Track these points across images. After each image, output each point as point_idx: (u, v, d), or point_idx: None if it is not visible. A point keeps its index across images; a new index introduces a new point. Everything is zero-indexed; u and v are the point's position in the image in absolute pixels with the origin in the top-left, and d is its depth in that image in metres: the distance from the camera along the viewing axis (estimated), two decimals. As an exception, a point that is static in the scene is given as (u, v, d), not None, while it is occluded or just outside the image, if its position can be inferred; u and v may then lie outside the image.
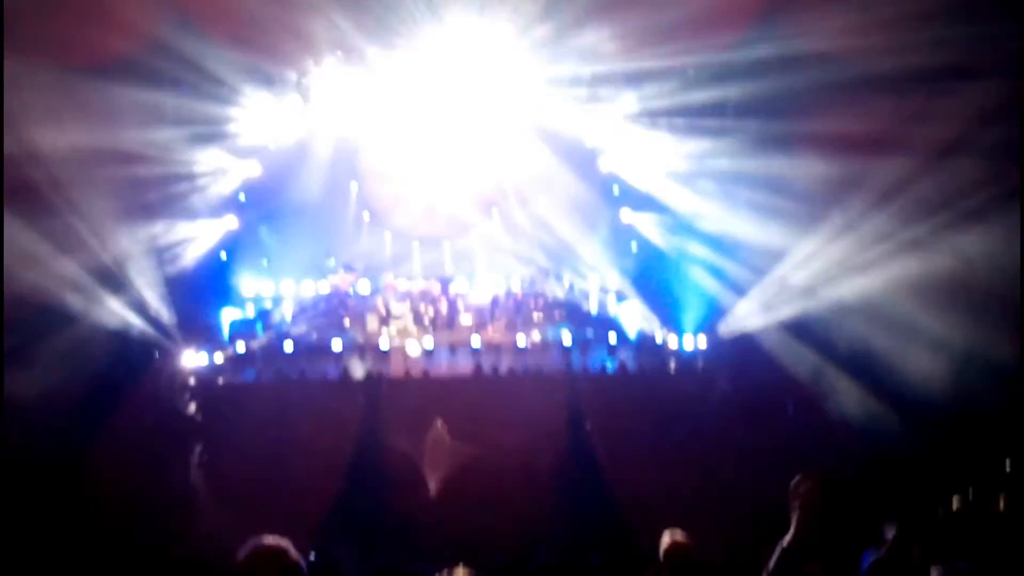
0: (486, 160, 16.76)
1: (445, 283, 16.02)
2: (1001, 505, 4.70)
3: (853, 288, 11.49)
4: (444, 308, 15.47)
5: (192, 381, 12.65)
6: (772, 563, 3.22)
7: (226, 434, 10.17)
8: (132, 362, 11.99)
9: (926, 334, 10.22)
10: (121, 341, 11.99)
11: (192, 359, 12.97)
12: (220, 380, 12.91)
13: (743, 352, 13.10)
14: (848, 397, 10.17)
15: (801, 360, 11.96)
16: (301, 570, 2.93)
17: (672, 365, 13.73)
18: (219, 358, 13.38)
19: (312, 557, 5.94)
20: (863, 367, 10.79)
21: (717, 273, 14.25)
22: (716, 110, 13.76)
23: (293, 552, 2.94)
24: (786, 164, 12.63)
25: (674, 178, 14.87)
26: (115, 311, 12.31)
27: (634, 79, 14.66)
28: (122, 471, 7.99)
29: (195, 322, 13.59)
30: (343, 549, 5.69)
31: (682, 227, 14.97)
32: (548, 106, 15.49)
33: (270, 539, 2.95)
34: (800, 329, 12.43)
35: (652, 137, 14.74)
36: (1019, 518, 4.57)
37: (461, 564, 2.90)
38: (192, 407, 11.32)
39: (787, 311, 12.98)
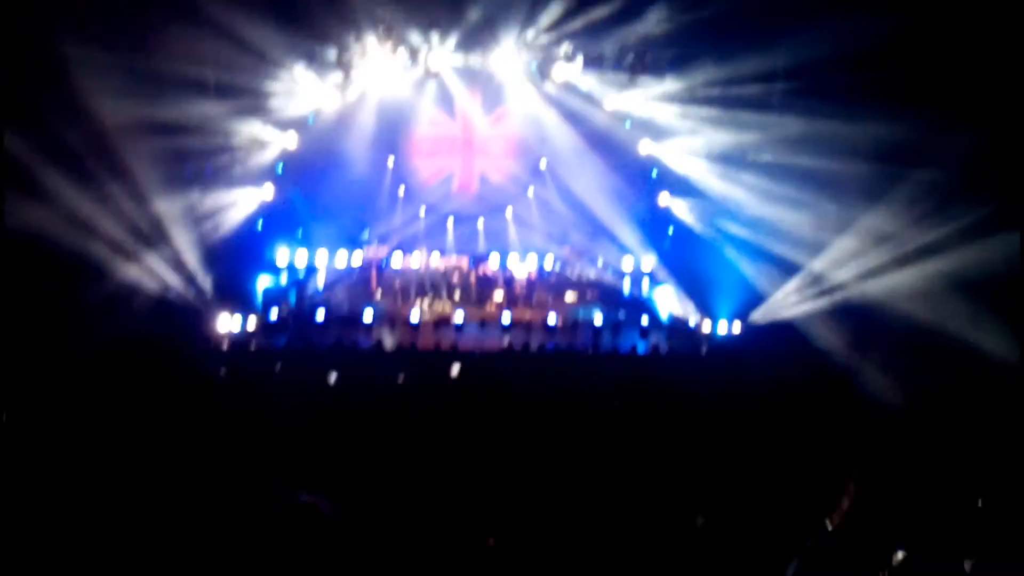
0: (524, 139, 16.68)
1: (478, 259, 16.02)
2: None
3: (891, 283, 11.34)
4: (475, 284, 15.46)
5: (225, 345, 12.78)
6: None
7: (255, 397, 10.21)
8: (170, 323, 12.15)
9: (977, 330, 10.08)
10: (159, 303, 12.20)
11: (227, 323, 13.10)
12: (252, 345, 13.03)
13: (778, 340, 12.91)
14: (884, 388, 9.96)
15: (837, 350, 11.79)
16: (334, 527, 2.91)
17: (704, 349, 13.54)
18: (252, 324, 13.52)
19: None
20: (898, 361, 10.62)
21: (754, 260, 14.09)
22: (762, 99, 13.57)
23: (326, 510, 2.92)
24: (829, 158, 12.50)
25: (715, 164, 14.74)
26: (155, 273, 12.61)
27: (679, 61, 14.47)
28: (154, 428, 8.06)
29: (231, 288, 13.76)
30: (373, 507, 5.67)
31: (720, 213, 14.84)
32: (590, 86, 15.33)
33: (305, 497, 2.94)
34: (837, 319, 12.25)
35: (695, 122, 14.52)
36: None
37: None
38: (223, 370, 11.41)
39: (824, 302, 12.83)
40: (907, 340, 10.89)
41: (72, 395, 8.57)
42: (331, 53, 14.80)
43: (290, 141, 15.24)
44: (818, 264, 13.09)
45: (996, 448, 7.07)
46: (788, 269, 13.48)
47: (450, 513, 6.41)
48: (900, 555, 3.94)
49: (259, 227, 15.42)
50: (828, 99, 12.31)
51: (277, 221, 15.84)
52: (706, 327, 14.10)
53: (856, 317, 11.97)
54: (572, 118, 16.10)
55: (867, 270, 12.35)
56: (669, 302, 15.09)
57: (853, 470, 6.56)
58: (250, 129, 14.41)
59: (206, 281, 13.27)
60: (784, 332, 12.91)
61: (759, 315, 13.82)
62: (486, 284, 15.47)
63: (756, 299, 13.87)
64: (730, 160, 14.54)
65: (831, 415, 9.32)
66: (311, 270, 15.89)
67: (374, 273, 15.71)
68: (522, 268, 15.88)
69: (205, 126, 13.19)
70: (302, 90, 14.77)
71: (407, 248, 16.34)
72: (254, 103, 14.22)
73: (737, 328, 13.87)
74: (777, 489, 6.91)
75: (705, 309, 14.38)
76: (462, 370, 11.22)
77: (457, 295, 15.23)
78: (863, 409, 9.48)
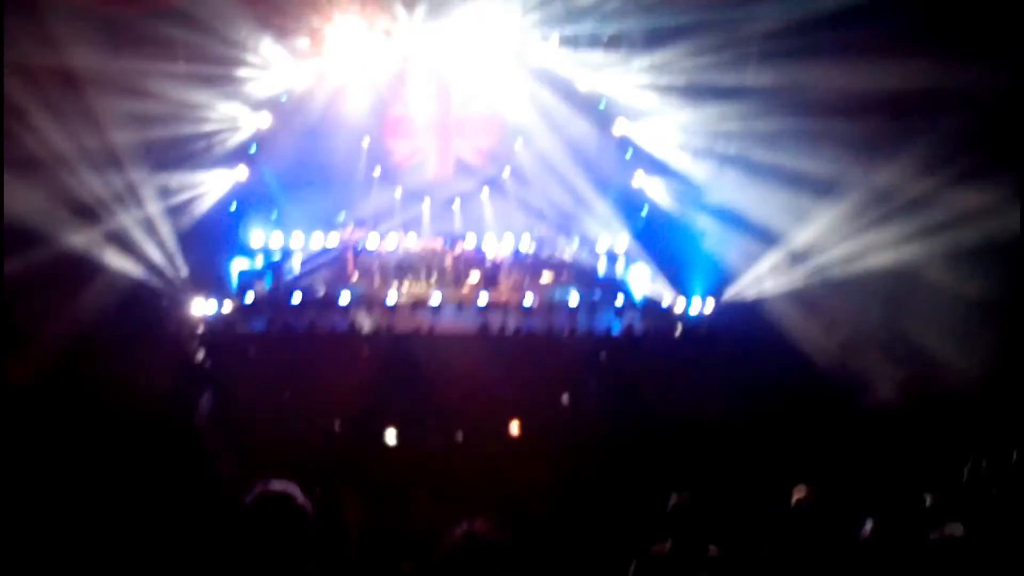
0: (500, 119, 16.55)
1: (454, 240, 15.97)
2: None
3: (873, 259, 11.27)
4: (452, 265, 15.42)
5: (200, 329, 12.67)
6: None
7: (233, 381, 10.18)
8: (144, 307, 12.01)
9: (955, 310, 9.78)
10: (133, 287, 12.03)
11: (202, 307, 13.01)
12: (228, 328, 12.92)
13: (749, 319, 13.01)
14: (859, 373, 10.00)
15: (809, 329, 11.85)
16: (307, 515, 2.89)
17: (678, 328, 13.65)
18: (228, 307, 13.43)
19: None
20: (877, 342, 10.63)
21: (727, 239, 14.14)
22: (734, 69, 13.44)
23: (300, 497, 2.90)
24: (805, 126, 12.32)
25: (688, 143, 14.70)
26: (128, 257, 12.41)
27: (652, 39, 14.36)
28: (132, 411, 8.01)
29: (205, 271, 13.65)
30: (347, 495, 5.72)
31: (694, 192, 14.85)
32: (565, 66, 15.23)
33: (277, 484, 2.91)
34: (810, 298, 12.30)
35: (670, 101, 14.47)
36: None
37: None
38: (200, 354, 11.32)
39: (797, 278, 12.91)
40: (894, 323, 10.65)
41: (44, 385, 8.47)
42: (304, 31, 14.54)
43: (263, 121, 15.01)
44: (797, 238, 12.91)
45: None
46: (764, 244, 13.46)
47: (428, 499, 6.48)
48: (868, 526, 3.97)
49: (233, 209, 15.26)
50: (805, 57, 12.04)
51: (251, 202, 15.69)
52: (679, 306, 14.17)
53: (839, 294, 11.86)
54: (548, 98, 15.99)
55: (853, 242, 11.93)
56: (643, 282, 15.14)
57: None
58: (223, 109, 14.16)
59: (180, 264, 13.13)
60: (759, 311, 12.99)
61: (732, 293, 13.91)
62: (462, 265, 15.42)
63: (730, 277, 13.94)
64: (706, 136, 14.49)
65: (802, 403, 9.30)
66: (287, 252, 15.83)
67: (350, 255, 15.63)
68: (498, 249, 15.88)
69: (177, 107, 12.91)
70: (275, 69, 14.53)
71: (383, 230, 16.20)
72: (226, 83, 13.96)
73: (710, 307, 13.95)
74: (742, 478, 6.90)
75: (678, 288, 14.46)
76: (437, 354, 11.23)
77: (434, 277, 15.18)
78: (835, 396, 9.44)
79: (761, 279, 13.55)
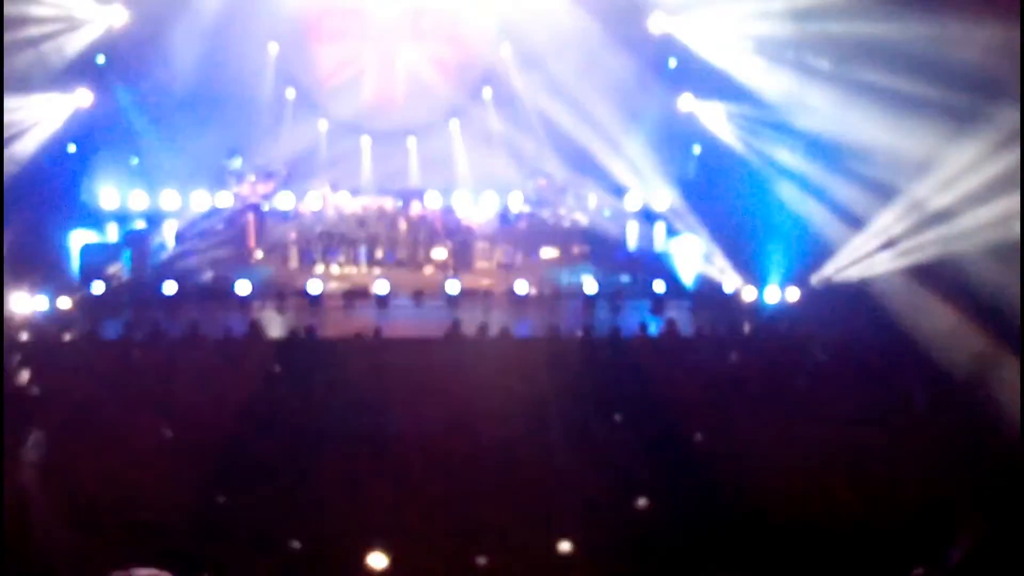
0: (474, 13, 16.47)
1: (409, 199, 15.91)
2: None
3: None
4: (406, 236, 15.39)
5: (24, 336, 12.55)
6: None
7: (75, 415, 10.07)
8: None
9: None
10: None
11: (24, 304, 12.87)
12: (67, 335, 12.83)
13: (853, 311, 13.07)
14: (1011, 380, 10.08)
15: (941, 326, 11.93)
16: None
17: (747, 327, 13.68)
18: (65, 303, 13.33)
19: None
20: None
21: (819, 194, 14.17)
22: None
23: None
24: (930, 28, 12.38)
25: (761, 47, 14.67)
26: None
27: None
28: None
29: (29, 250, 13.43)
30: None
31: (770, 123, 14.84)
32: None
33: (143, 572, 3.00)
34: (941, 279, 12.36)
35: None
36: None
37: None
38: (24, 375, 11.25)
39: (923, 253, 12.97)
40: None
41: None
42: None
43: (115, 16, 14.91)
44: (920, 193, 13.02)
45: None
46: (873, 202, 13.52)
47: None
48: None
49: (72, 153, 15.24)
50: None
51: (100, 144, 15.68)
52: (749, 295, 14.21)
53: (972, 277, 11.98)
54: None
55: (989, 211, 12.28)
56: (694, 260, 15.14)
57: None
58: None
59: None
60: (861, 302, 13.02)
61: (824, 277, 13.94)
62: (422, 236, 15.39)
63: (821, 254, 13.97)
64: (784, 40, 14.52)
65: (933, 426, 9.43)
66: (154, 219, 15.79)
67: (251, 221, 15.57)
68: (476, 211, 15.83)
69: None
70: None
71: (300, 184, 16.23)
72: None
73: (793, 296, 14.01)
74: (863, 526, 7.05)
75: (747, 269, 14.46)
76: (388, 371, 11.15)
77: (379, 253, 15.17)
78: (977, 417, 9.59)
79: (868, 255, 13.58)
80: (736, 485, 8.51)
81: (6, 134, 13.71)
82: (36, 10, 13.77)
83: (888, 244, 13.40)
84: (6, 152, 13.69)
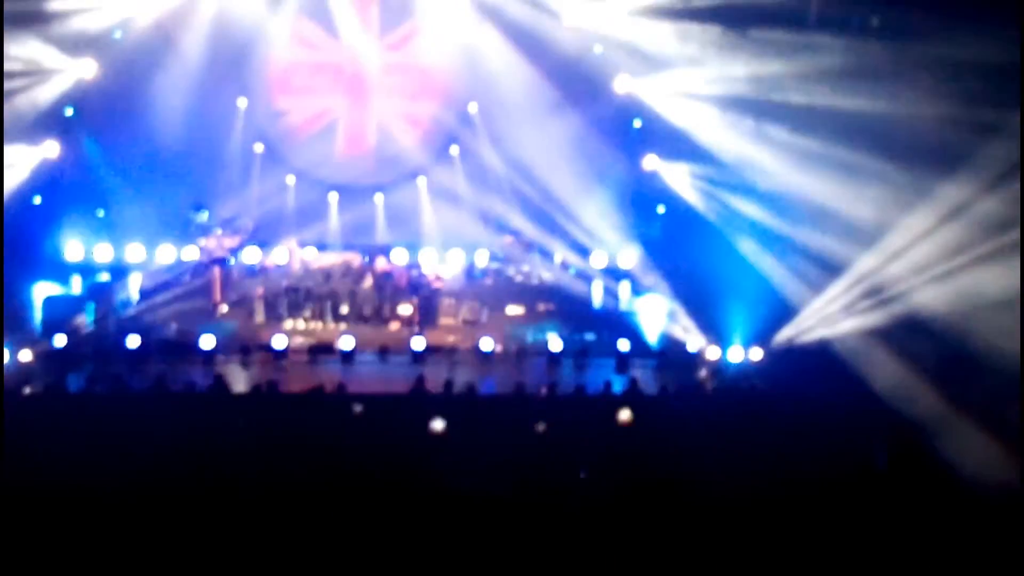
0: (444, 70, 16.62)
1: (375, 255, 15.90)
2: None
3: (985, 284, 11.47)
4: (372, 292, 15.36)
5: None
6: None
7: (35, 478, 9.88)
8: None
9: None
10: None
11: (-16, 356, 12.71)
12: (27, 389, 12.66)
13: (815, 371, 13.14)
14: (976, 446, 10.12)
15: (904, 386, 11.98)
16: None
17: (710, 385, 13.74)
18: (26, 356, 13.18)
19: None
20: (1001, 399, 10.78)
21: (781, 255, 14.30)
22: (792, 17, 13.73)
23: None
24: (888, 102, 12.64)
25: (725, 111, 14.89)
26: None
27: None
28: None
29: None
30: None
31: (732, 184, 15.05)
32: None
33: None
34: (904, 340, 12.46)
35: (696, 47, 14.64)
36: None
37: None
38: (-18, 430, 11.04)
39: (884, 314, 13.07)
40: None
41: None
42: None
43: (85, 69, 14.93)
44: (875, 260, 13.23)
45: None
46: (831, 267, 13.70)
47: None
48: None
49: (37, 204, 15.18)
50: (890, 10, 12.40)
51: (65, 195, 15.61)
52: (712, 354, 14.28)
53: (936, 340, 12.10)
54: (516, 40, 16.11)
55: (951, 268, 12.31)
56: (658, 318, 15.20)
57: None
58: (22, 51, 14.04)
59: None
60: (826, 362, 13.11)
61: (788, 336, 14.02)
62: (388, 292, 15.38)
63: (784, 312, 14.07)
64: (747, 104, 14.74)
65: (903, 494, 9.40)
66: (119, 271, 15.69)
67: (217, 275, 15.47)
68: (442, 268, 15.84)
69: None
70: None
71: (267, 238, 16.21)
72: (28, 10, 13.83)
73: (757, 356, 14.08)
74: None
75: (711, 328, 14.55)
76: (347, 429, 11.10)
77: (344, 308, 15.11)
78: (950, 486, 9.57)
79: (833, 313, 13.69)
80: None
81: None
82: (6, 63, 13.75)
83: (847, 306, 13.52)
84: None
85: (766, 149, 14.50)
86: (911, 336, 12.35)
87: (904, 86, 12.42)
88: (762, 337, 14.20)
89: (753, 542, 8.32)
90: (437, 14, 16.10)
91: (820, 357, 13.38)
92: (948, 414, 11.01)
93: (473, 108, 16.62)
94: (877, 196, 12.76)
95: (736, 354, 14.14)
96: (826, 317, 13.64)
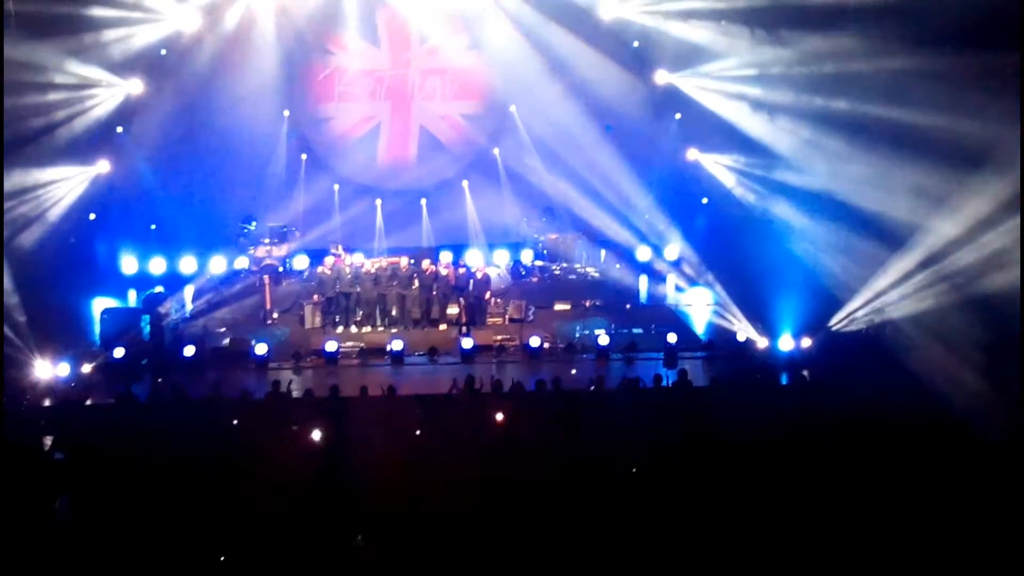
0: (484, 74, 16.69)
1: (421, 258, 15.97)
2: None
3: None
4: (419, 294, 15.46)
5: (47, 402, 12.66)
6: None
7: (101, 482, 10.10)
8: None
9: None
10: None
11: (47, 371, 12.99)
12: (89, 400, 12.92)
13: (865, 359, 13.07)
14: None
15: (957, 373, 11.87)
16: None
17: (761, 376, 13.69)
18: (88, 368, 13.42)
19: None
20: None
21: (829, 244, 14.22)
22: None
23: None
24: (941, 87, 12.48)
25: (768, 96, 14.82)
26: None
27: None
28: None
29: (51, 316, 13.64)
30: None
31: (775, 175, 15.01)
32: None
33: None
34: (959, 327, 12.34)
35: (736, 39, 14.60)
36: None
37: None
38: (48, 442, 11.27)
39: (939, 300, 12.96)
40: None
41: None
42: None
43: (134, 87, 15.18)
44: (927, 244, 13.15)
45: None
46: (879, 254, 13.59)
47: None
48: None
49: (92, 220, 15.48)
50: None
51: (118, 211, 15.89)
52: (761, 344, 14.24)
53: (990, 325, 11.97)
54: (555, 40, 16.15)
55: (1002, 251, 12.22)
56: (706, 309, 15.17)
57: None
58: (71, 71, 14.31)
59: (15, 307, 13.17)
60: (876, 350, 13.01)
61: (837, 324, 13.95)
62: (436, 294, 15.43)
63: (833, 302, 14.00)
64: (794, 86, 14.63)
65: (951, 477, 9.33)
66: (173, 283, 15.87)
67: (267, 284, 15.67)
68: (488, 268, 15.85)
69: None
70: (151, 10, 14.72)
71: (315, 246, 16.32)
72: (77, 33, 14.10)
73: (806, 344, 14.01)
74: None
75: (759, 318, 14.50)
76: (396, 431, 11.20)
77: (393, 311, 15.23)
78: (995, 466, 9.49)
79: (884, 300, 13.64)
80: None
81: (34, 207, 13.89)
82: (54, 81, 13.99)
83: (902, 290, 13.42)
84: (35, 222, 13.87)
85: (807, 139, 14.39)
86: (962, 322, 12.25)
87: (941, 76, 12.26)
88: (812, 325, 14.12)
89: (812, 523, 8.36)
90: (477, 18, 16.12)
91: (869, 345, 13.31)
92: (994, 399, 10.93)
93: (514, 110, 16.63)
94: (918, 181, 12.62)
95: (786, 343, 14.09)
96: (877, 302, 13.54)
